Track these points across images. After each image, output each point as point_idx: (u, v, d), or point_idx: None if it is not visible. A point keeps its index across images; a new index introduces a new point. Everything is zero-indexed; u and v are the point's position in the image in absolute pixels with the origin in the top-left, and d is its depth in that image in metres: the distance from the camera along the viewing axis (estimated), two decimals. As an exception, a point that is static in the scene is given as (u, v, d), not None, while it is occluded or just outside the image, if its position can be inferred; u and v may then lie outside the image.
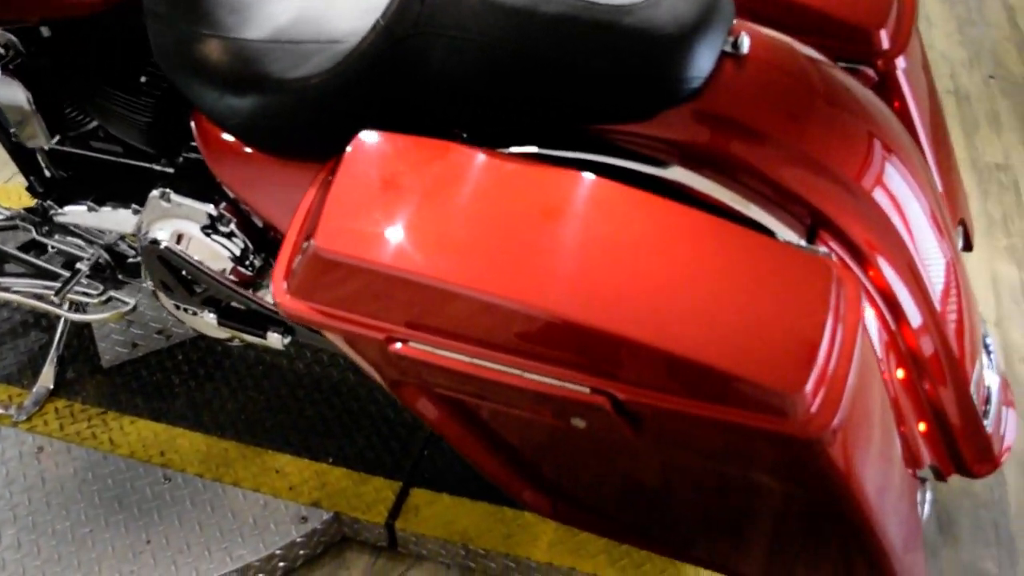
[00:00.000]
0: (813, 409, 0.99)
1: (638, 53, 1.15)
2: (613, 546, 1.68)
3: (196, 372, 2.00)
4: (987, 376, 1.55)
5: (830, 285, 1.05)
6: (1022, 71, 3.19)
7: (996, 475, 1.92)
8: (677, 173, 1.24)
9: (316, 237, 1.09)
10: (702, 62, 1.18)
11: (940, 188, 1.60)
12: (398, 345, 1.11)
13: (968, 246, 1.78)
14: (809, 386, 0.99)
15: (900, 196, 1.33)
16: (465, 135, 1.26)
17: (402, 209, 1.10)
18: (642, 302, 1.02)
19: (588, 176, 1.13)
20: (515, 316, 1.03)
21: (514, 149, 1.24)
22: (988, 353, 1.59)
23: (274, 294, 1.16)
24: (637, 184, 1.14)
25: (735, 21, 1.27)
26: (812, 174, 1.24)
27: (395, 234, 1.08)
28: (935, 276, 1.36)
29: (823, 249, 1.19)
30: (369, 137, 1.19)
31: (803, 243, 1.22)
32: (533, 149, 1.26)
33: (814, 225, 1.23)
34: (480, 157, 1.15)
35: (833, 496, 1.10)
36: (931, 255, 1.37)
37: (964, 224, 1.73)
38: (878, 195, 1.30)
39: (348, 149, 1.17)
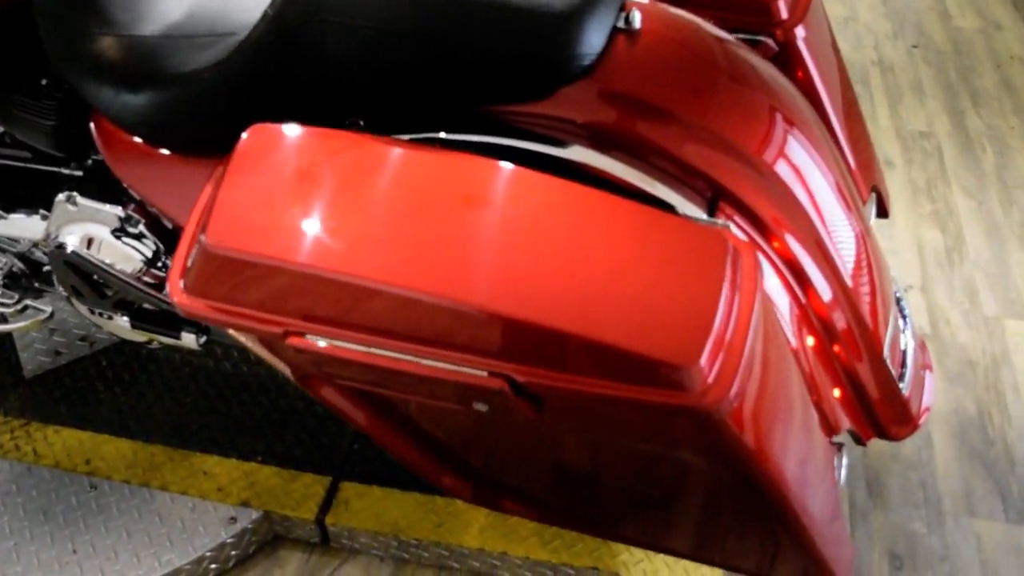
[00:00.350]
0: (710, 380, 0.99)
1: (526, 31, 1.14)
2: (544, 529, 1.68)
3: (121, 377, 1.97)
4: (903, 340, 1.56)
5: (725, 255, 1.05)
6: (944, 40, 3.22)
7: (923, 437, 1.95)
8: (577, 152, 1.23)
9: (206, 233, 1.07)
10: (592, 38, 1.17)
11: (851, 156, 1.61)
12: (297, 339, 1.09)
13: (883, 213, 1.80)
14: (704, 357, 0.98)
15: (804, 170, 1.34)
16: (362, 123, 1.25)
17: (293, 201, 1.08)
18: (535, 283, 1.01)
19: (479, 159, 1.12)
20: (408, 303, 1.02)
21: (407, 136, 1.23)
22: (904, 317, 1.60)
23: (170, 292, 1.14)
24: (539, 165, 1.14)
25: (628, -3, 1.27)
26: (711, 148, 1.24)
27: (286, 226, 1.06)
28: (843, 246, 1.37)
29: (720, 221, 1.19)
30: (262, 129, 1.17)
31: (702, 216, 1.22)
32: (433, 135, 1.25)
33: (714, 198, 1.23)
34: (372, 145, 1.14)
35: (743, 466, 1.10)
36: (838, 226, 1.37)
37: (878, 192, 1.75)
38: (781, 169, 1.30)
39: (240, 141, 1.16)
